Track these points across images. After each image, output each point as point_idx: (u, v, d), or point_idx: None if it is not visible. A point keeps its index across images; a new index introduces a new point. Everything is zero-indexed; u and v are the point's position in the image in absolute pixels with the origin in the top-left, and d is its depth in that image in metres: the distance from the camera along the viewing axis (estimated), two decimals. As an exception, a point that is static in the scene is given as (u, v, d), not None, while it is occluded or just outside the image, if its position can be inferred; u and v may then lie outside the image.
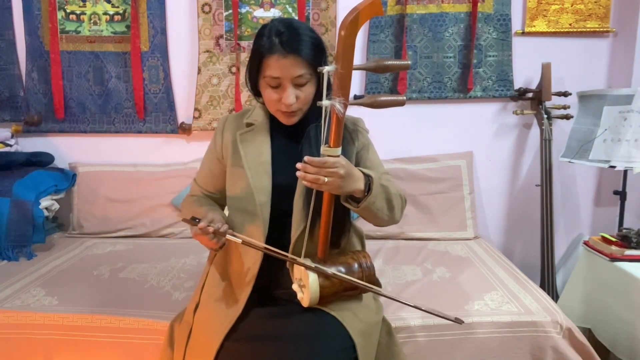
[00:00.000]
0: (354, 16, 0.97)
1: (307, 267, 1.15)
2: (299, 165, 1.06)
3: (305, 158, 1.05)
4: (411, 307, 1.17)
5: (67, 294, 1.68)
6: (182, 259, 2.03)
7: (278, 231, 1.26)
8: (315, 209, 1.16)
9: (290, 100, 1.21)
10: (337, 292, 1.18)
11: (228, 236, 1.15)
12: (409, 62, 1.07)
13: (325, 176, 1.05)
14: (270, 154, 1.30)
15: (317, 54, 1.22)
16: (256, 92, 1.32)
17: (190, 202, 1.42)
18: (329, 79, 1.07)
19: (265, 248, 1.17)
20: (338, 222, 1.22)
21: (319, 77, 1.24)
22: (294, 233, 1.24)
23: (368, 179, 1.15)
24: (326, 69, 1.02)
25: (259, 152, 1.30)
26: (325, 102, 1.02)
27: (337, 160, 1.06)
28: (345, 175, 1.07)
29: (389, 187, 1.21)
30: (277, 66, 1.19)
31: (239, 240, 1.16)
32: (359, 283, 1.17)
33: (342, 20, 0.99)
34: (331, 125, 1.04)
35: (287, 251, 1.24)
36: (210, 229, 1.13)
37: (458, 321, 1.12)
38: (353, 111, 1.17)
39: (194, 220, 1.16)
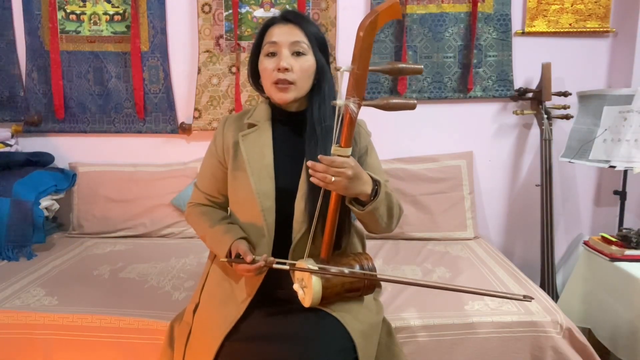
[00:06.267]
0: (373, 18, 0.98)
1: (321, 273, 1.14)
2: (309, 163, 1.07)
3: (318, 157, 1.06)
4: (471, 293, 1.12)
5: (67, 294, 1.68)
6: (182, 259, 2.03)
7: (279, 233, 1.25)
8: (319, 211, 1.15)
9: (286, 62, 1.22)
10: (338, 293, 1.18)
11: (275, 265, 1.15)
12: (422, 67, 1.07)
13: (332, 175, 1.05)
14: (272, 157, 1.29)
15: (318, 37, 1.27)
16: (255, 79, 1.33)
17: (197, 216, 1.39)
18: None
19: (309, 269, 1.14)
20: (339, 224, 1.21)
21: (317, 59, 1.26)
22: (295, 235, 1.23)
23: (375, 183, 1.15)
24: (342, 69, 1.02)
25: (261, 155, 1.29)
26: (339, 102, 1.02)
27: (345, 161, 1.06)
28: (352, 176, 1.07)
29: (391, 196, 1.21)
30: (276, 32, 1.25)
31: (287, 267, 1.16)
32: (364, 275, 1.17)
33: (361, 21, 1.00)
34: (343, 125, 1.04)
35: (287, 252, 1.24)
36: (262, 264, 1.14)
37: (527, 299, 1.08)
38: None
39: (239, 258, 1.17)
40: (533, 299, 1.11)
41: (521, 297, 1.07)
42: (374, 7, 2.09)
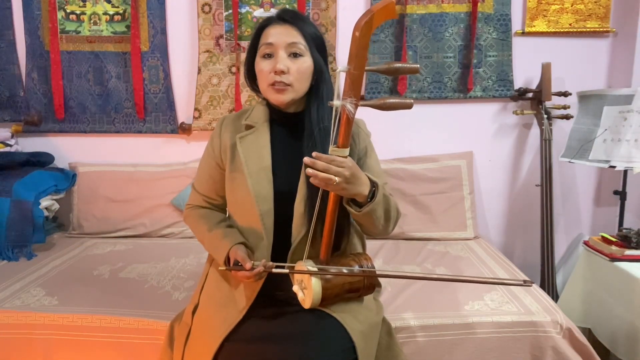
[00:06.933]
0: (369, 18, 0.97)
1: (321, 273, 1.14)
2: (307, 160, 1.04)
3: (314, 154, 1.04)
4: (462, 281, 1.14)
5: (67, 294, 1.68)
6: (182, 259, 2.03)
7: (278, 236, 1.25)
8: (319, 213, 1.14)
9: (282, 64, 1.20)
10: (338, 294, 1.18)
11: (274, 270, 1.15)
12: (418, 66, 1.07)
13: (333, 175, 1.04)
14: (270, 159, 1.28)
15: (315, 37, 1.25)
16: (252, 81, 1.32)
17: (195, 219, 1.38)
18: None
19: (308, 271, 1.14)
20: (338, 225, 1.21)
21: (315, 60, 1.24)
22: (295, 238, 1.23)
23: (373, 185, 1.14)
24: (339, 69, 1.02)
25: (259, 157, 1.27)
26: (336, 103, 1.02)
27: (343, 161, 1.05)
28: (350, 177, 1.06)
29: (389, 199, 1.20)
30: (272, 33, 1.23)
31: (286, 271, 1.16)
32: (364, 273, 1.17)
33: (357, 21, 0.99)
34: (341, 125, 1.03)
35: (287, 255, 1.24)
36: (261, 269, 1.13)
37: (527, 284, 1.10)
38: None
39: (238, 266, 1.17)
40: (534, 283, 1.12)
41: (521, 282, 1.09)
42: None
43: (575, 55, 2.38)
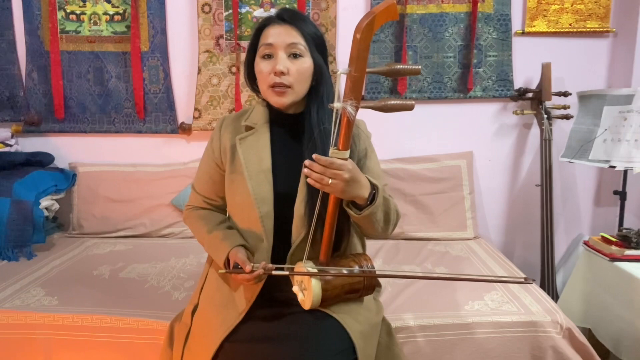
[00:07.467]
0: (370, 20, 0.97)
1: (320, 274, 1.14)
2: (306, 162, 1.05)
3: (314, 156, 1.04)
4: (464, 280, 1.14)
5: (67, 294, 1.68)
6: (182, 259, 2.03)
7: (278, 237, 1.25)
8: (318, 215, 1.14)
9: (282, 65, 1.19)
10: (338, 295, 1.18)
11: (274, 272, 1.15)
12: (420, 67, 1.06)
13: (329, 177, 1.04)
14: (271, 161, 1.27)
15: (315, 37, 1.24)
16: (252, 81, 1.31)
17: (195, 220, 1.37)
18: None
19: (308, 272, 1.15)
20: (338, 226, 1.20)
21: (315, 61, 1.24)
22: (295, 240, 1.22)
23: (373, 188, 1.13)
24: (339, 71, 1.01)
25: (259, 159, 1.27)
26: (337, 105, 1.01)
27: (343, 164, 1.05)
28: (349, 179, 1.06)
29: (389, 201, 1.20)
30: (271, 34, 1.22)
31: (286, 273, 1.16)
32: (363, 273, 1.17)
33: (358, 23, 0.98)
34: (341, 128, 1.03)
35: (287, 256, 1.23)
36: (261, 272, 1.13)
37: (528, 281, 1.11)
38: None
39: (238, 268, 1.17)
40: (534, 280, 1.12)
41: (522, 280, 1.09)
42: (374, 7, 2.09)
43: (575, 55, 2.38)
